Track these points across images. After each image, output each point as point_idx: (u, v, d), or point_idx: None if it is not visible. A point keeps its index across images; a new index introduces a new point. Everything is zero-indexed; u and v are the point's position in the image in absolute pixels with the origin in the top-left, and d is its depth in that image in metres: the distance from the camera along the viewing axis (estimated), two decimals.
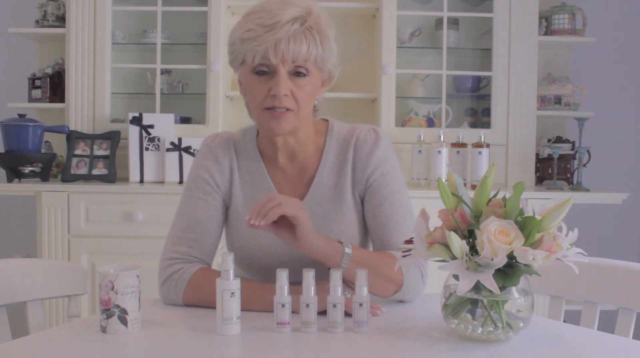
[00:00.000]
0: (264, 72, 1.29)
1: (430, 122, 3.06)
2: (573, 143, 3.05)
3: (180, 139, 2.86)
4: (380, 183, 1.39)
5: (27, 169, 2.77)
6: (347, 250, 1.26)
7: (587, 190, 2.83)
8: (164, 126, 2.90)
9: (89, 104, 2.96)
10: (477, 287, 1.01)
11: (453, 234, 1.00)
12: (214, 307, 1.13)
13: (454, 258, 1.01)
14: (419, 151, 2.83)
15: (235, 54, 1.33)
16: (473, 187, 2.74)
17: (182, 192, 1.44)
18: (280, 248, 1.38)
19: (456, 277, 1.02)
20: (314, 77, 1.32)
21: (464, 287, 0.99)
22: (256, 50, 1.26)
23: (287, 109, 1.29)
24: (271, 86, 1.28)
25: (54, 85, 3.00)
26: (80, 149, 2.86)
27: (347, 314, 1.15)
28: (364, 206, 1.42)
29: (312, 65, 1.30)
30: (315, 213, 1.38)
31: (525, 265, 1.00)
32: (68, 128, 2.89)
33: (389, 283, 1.30)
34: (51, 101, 2.99)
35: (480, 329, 1.06)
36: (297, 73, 1.29)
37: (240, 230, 1.41)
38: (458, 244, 1.00)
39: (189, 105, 3.17)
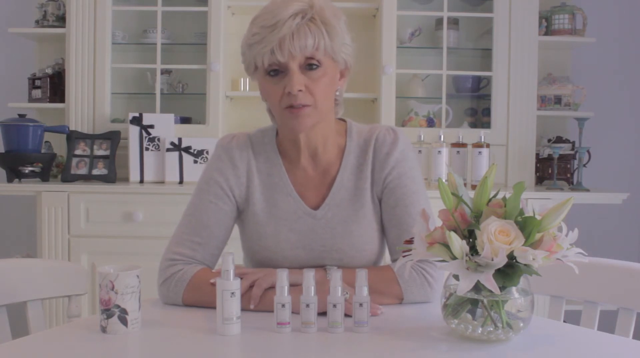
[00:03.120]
0: (277, 72, 1.29)
1: (430, 122, 3.06)
2: (573, 143, 3.05)
3: (180, 139, 2.86)
4: (396, 184, 1.38)
5: (27, 169, 2.77)
6: (329, 277, 1.26)
7: (587, 190, 2.83)
8: (164, 126, 2.90)
9: (89, 104, 2.96)
10: (477, 287, 1.01)
11: (453, 234, 1.00)
12: (213, 307, 1.13)
13: (454, 258, 1.01)
14: (419, 151, 2.83)
15: (248, 62, 1.33)
16: (473, 187, 2.74)
17: (193, 192, 1.41)
18: (299, 251, 1.38)
19: (456, 277, 1.01)
20: (328, 68, 1.31)
21: (464, 287, 0.99)
22: (263, 52, 1.26)
23: (305, 106, 1.28)
24: (285, 84, 1.27)
25: (54, 85, 3.00)
26: (81, 149, 2.86)
27: (347, 315, 1.15)
28: (381, 208, 1.40)
29: (324, 56, 1.29)
30: (336, 215, 1.38)
31: (525, 265, 1.00)
32: (68, 128, 2.89)
33: (387, 298, 1.30)
34: (51, 101, 2.99)
35: (480, 329, 1.06)
36: (309, 66, 1.28)
37: (259, 233, 1.39)
38: (458, 244, 1.00)
39: (189, 105, 3.17)
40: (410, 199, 1.37)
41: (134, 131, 2.88)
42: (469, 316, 1.07)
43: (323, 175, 1.41)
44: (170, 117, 2.92)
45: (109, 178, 2.80)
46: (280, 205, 1.39)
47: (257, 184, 1.40)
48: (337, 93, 1.38)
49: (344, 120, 1.46)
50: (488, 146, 2.82)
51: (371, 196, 1.39)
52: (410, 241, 1.10)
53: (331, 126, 1.40)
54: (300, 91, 1.27)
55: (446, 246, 1.01)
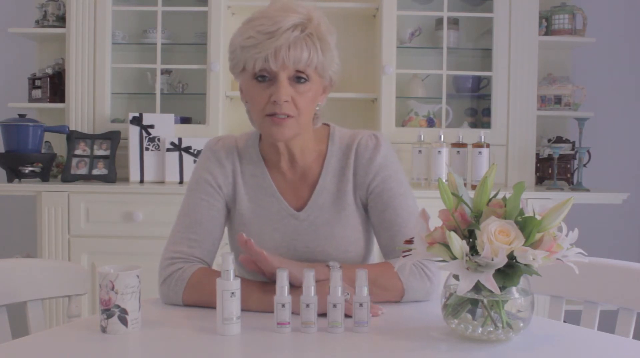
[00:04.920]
0: (265, 78, 1.30)
1: (431, 122, 3.06)
2: (573, 143, 3.05)
3: (180, 139, 2.86)
4: (382, 189, 1.40)
5: (27, 169, 2.77)
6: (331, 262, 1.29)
7: (587, 190, 2.83)
8: (164, 126, 2.89)
9: (89, 104, 2.96)
10: (477, 287, 1.01)
11: (453, 234, 1.00)
12: (213, 307, 1.13)
13: (454, 258, 1.01)
14: (419, 151, 2.83)
15: (236, 61, 1.33)
16: (473, 187, 2.74)
17: (184, 194, 1.44)
18: (284, 251, 1.39)
19: (456, 277, 1.02)
20: (314, 84, 1.33)
21: (464, 287, 0.99)
22: (256, 57, 1.27)
23: (288, 116, 1.30)
24: (272, 92, 1.29)
25: (54, 85, 3.00)
26: (81, 149, 2.86)
27: (347, 315, 1.15)
28: (369, 213, 1.42)
29: (313, 71, 1.31)
30: (318, 218, 1.40)
31: (525, 265, 1.00)
32: (68, 128, 2.89)
33: (389, 292, 1.31)
34: (51, 101, 2.99)
35: (481, 329, 1.06)
36: (297, 79, 1.30)
37: (245, 233, 1.41)
38: (458, 244, 1.00)
39: (189, 105, 3.17)
40: (397, 201, 1.39)
41: (134, 131, 2.88)
42: (469, 316, 1.07)
43: (302, 179, 1.43)
44: (170, 117, 2.92)
45: (109, 178, 2.80)
46: (265, 205, 1.42)
47: (242, 184, 1.43)
48: (317, 108, 1.40)
49: (327, 125, 1.48)
50: (488, 146, 2.82)
51: (354, 199, 1.42)
52: (410, 242, 1.10)
53: (310, 136, 1.42)
54: (286, 101, 1.28)
55: (446, 246, 1.01)
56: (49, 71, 3.00)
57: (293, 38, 1.26)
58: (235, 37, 1.33)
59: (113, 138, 2.88)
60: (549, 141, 3.08)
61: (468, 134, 2.88)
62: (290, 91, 1.29)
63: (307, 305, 1.12)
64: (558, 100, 3.02)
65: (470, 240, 1.03)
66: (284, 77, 1.28)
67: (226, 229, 1.49)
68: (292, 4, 1.31)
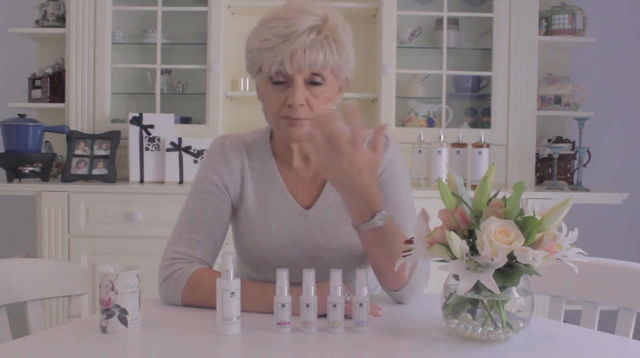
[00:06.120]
0: (281, 81, 1.30)
1: (430, 122, 3.06)
2: (573, 143, 3.05)
3: (180, 139, 2.86)
4: (388, 183, 1.40)
5: (27, 169, 2.77)
6: (384, 212, 1.23)
7: (587, 190, 2.83)
8: (164, 126, 2.90)
9: (89, 104, 2.96)
10: (477, 287, 1.01)
11: (453, 234, 1.00)
12: (212, 307, 1.13)
13: (454, 258, 1.01)
14: (419, 151, 2.83)
15: (252, 63, 1.34)
16: (473, 187, 2.74)
17: (188, 192, 1.43)
18: (291, 249, 1.39)
19: (456, 277, 1.01)
20: (330, 85, 1.32)
21: (464, 287, 0.99)
22: (272, 60, 1.27)
23: (302, 119, 1.30)
24: (287, 95, 1.29)
25: (54, 85, 3.00)
26: (81, 149, 2.86)
27: (347, 316, 1.15)
28: None
29: (329, 73, 1.31)
30: (327, 215, 1.40)
31: (525, 265, 1.00)
32: (68, 128, 2.90)
33: (393, 276, 1.29)
34: (51, 101, 2.99)
35: (480, 329, 1.06)
36: (313, 82, 1.30)
37: (251, 231, 1.41)
38: (458, 244, 1.00)
39: (189, 105, 3.17)
40: (399, 198, 1.40)
41: (134, 131, 2.88)
42: (469, 316, 1.07)
43: (314, 176, 1.43)
44: (170, 117, 2.92)
45: (109, 178, 2.80)
46: (273, 203, 1.41)
47: (249, 182, 1.42)
48: (334, 106, 1.40)
49: None
50: (488, 146, 2.82)
51: None
52: (410, 242, 1.10)
53: None
54: (301, 105, 1.29)
55: (446, 246, 1.01)
56: (49, 71, 3.00)
57: (309, 41, 1.26)
58: (251, 38, 1.33)
59: (113, 138, 2.88)
60: (549, 141, 3.08)
61: (468, 134, 2.88)
62: (305, 93, 1.29)
63: (307, 305, 1.12)
64: (558, 100, 3.03)
65: (470, 240, 1.03)
66: (300, 80, 1.28)
67: (229, 228, 1.47)
68: (307, 4, 1.30)
